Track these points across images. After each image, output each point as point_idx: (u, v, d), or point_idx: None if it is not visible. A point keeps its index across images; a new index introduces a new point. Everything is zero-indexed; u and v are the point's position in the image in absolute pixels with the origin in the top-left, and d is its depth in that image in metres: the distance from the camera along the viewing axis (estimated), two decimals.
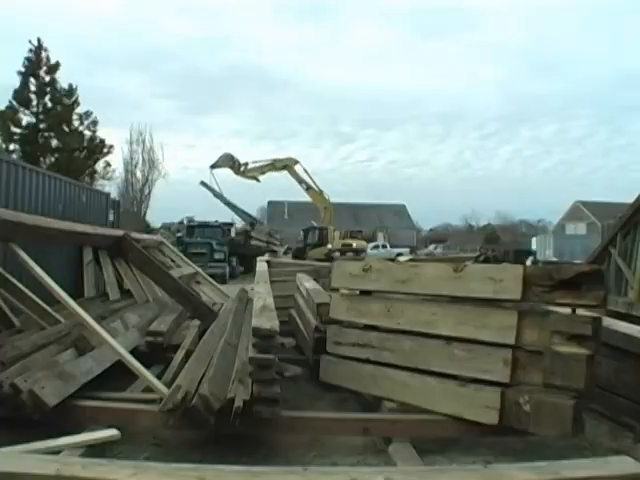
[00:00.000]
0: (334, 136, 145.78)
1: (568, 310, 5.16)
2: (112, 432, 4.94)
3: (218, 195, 42.69)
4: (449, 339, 5.64)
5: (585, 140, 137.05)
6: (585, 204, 78.54)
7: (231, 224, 38.30)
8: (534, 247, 58.02)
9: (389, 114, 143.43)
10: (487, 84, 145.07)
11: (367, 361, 6.30)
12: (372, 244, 58.38)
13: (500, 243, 51.51)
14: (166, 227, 47.42)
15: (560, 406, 4.98)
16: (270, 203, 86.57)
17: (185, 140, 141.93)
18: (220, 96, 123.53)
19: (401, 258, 23.32)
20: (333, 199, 44.33)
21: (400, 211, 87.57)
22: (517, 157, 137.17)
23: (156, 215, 65.41)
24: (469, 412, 5.38)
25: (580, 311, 5.15)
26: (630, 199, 16.95)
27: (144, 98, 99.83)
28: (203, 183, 43.02)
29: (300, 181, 43.73)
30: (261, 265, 11.77)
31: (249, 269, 27.14)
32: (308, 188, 43.62)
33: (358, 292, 6.68)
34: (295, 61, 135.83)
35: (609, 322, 6.38)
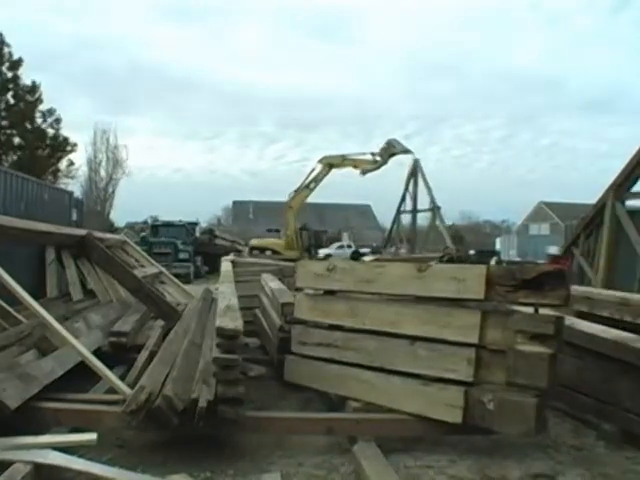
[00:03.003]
0: (259, 136, 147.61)
1: (531, 310, 5.22)
2: (90, 436, 4.90)
3: None
4: (413, 339, 5.67)
5: (510, 140, 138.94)
6: (548, 205, 79.33)
7: (196, 223, 38.11)
8: (498, 247, 58.62)
9: (307, 115, 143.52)
10: (390, 85, 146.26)
11: (332, 361, 6.31)
12: (337, 244, 58.45)
13: (464, 243, 51.86)
14: (130, 226, 47.01)
15: (523, 404, 5.04)
16: (235, 203, 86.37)
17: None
18: (131, 96, 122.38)
19: (366, 258, 23.38)
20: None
21: (365, 211, 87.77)
22: (446, 157, 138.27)
23: (120, 214, 64.95)
24: (433, 411, 5.41)
25: (543, 310, 5.22)
26: (592, 200, 17.21)
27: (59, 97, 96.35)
28: None
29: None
30: (226, 265, 11.72)
31: (214, 269, 27.00)
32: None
33: (322, 292, 6.68)
34: (201, 61, 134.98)
35: (571, 321, 6.47)
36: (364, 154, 36.70)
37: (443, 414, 5.36)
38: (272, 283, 9.13)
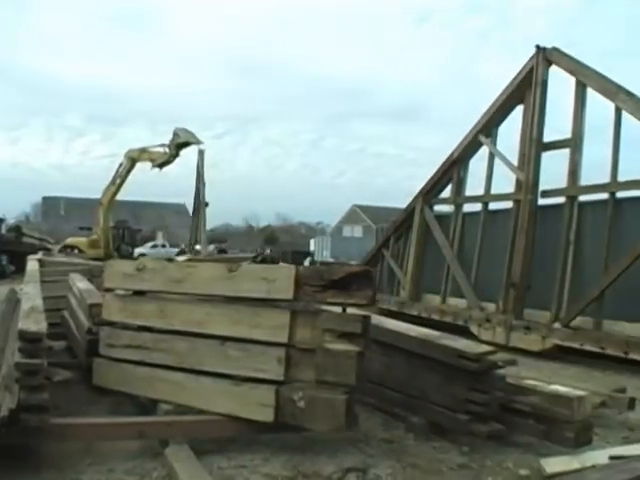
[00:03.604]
0: (64, 130, 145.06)
1: (339, 309, 5.32)
2: None
3: None
4: (223, 339, 5.64)
5: (320, 143, 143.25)
6: (361, 208, 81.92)
7: (1, 220, 36.12)
8: (312, 248, 59.70)
9: (115, 108, 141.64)
10: (200, 82, 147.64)
11: (141, 363, 6.15)
12: (151, 243, 57.45)
13: (279, 244, 52.58)
14: None
15: (333, 401, 5.12)
16: (45, 199, 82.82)
17: None
18: None
19: (180, 258, 23.22)
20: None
21: (181, 210, 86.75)
22: (257, 158, 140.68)
23: None
24: (245, 411, 5.41)
25: (351, 310, 5.34)
26: (401, 204, 17.93)
27: None
28: None
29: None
30: (32, 264, 11.24)
31: (21, 268, 25.70)
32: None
33: (132, 292, 6.51)
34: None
35: (379, 320, 6.66)
36: (162, 146, 34.02)
37: (255, 413, 5.36)
38: (80, 283, 8.81)
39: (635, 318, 10.68)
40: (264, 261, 24.16)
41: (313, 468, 5.07)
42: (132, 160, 34.28)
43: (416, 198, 16.40)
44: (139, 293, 6.41)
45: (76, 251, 35.02)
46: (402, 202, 17.25)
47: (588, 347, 10.79)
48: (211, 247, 47.21)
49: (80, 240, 39.32)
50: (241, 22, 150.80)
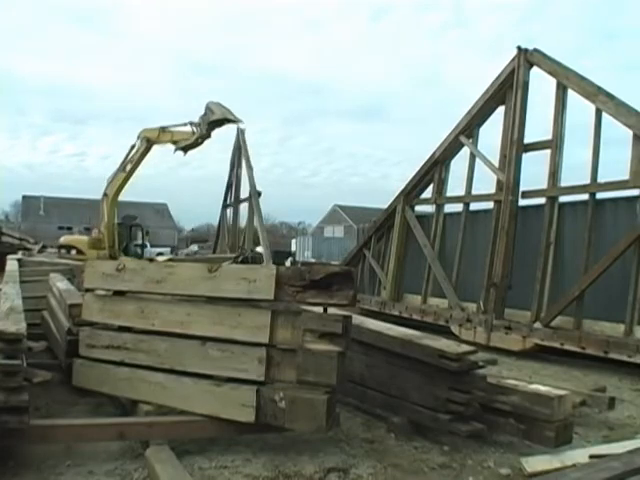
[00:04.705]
0: (29, 127, 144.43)
1: (320, 309, 5.33)
2: None
3: None
4: (204, 339, 5.62)
5: (288, 142, 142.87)
6: (343, 208, 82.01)
7: None
8: (294, 248, 59.69)
9: (79, 106, 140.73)
10: (161, 80, 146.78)
11: (122, 363, 6.11)
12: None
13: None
14: None
15: (314, 401, 5.13)
16: (25, 198, 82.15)
17: None
18: None
19: (160, 258, 22.84)
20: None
21: (162, 210, 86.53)
22: (227, 157, 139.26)
23: None
24: (226, 411, 5.39)
25: (332, 310, 5.34)
26: (380, 204, 17.95)
27: None
28: None
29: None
30: (11, 264, 11.16)
31: (1, 268, 25.46)
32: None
33: (112, 292, 6.47)
34: None
35: (360, 320, 6.68)
36: (185, 124, 26.08)
37: (236, 414, 5.36)
38: (60, 283, 8.74)
39: (615, 318, 10.76)
40: (245, 261, 23.51)
41: (294, 468, 5.07)
42: (148, 141, 26.75)
43: (397, 198, 16.45)
44: (119, 293, 6.37)
45: (74, 252, 29.50)
46: (381, 202, 17.29)
47: (568, 347, 10.85)
48: (192, 247, 46.34)
49: (79, 239, 32.99)
50: (198, 20, 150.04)
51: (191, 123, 25.20)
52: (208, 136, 25.23)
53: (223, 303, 5.64)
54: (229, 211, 33.75)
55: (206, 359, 5.59)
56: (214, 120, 24.67)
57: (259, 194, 28.50)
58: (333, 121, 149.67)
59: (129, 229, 35.59)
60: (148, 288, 6.08)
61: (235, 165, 32.00)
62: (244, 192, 30.79)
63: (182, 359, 5.73)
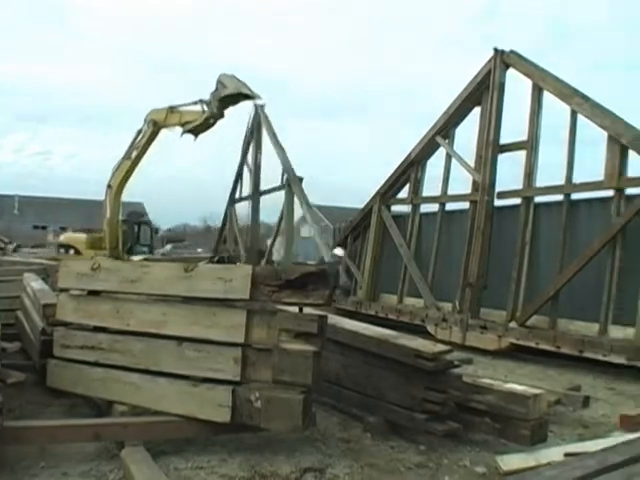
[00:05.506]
0: None
1: (296, 309, 5.32)
2: None
3: None
4: (180, 339, 5.60)
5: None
6: (319, 208, 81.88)
7: None
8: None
9: (41, 107, 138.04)
10: (124, 77, 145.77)
11: (96, 364, 6.06)
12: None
13: (244, 245, 52.25)
14: None
15: (290, 401, 5.13)
16: None
17: None
18: None
19: (135, 258, 22.34)
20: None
21: (138, 210, 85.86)
22: (201, 154, 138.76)
23: None
24: (202, 412, 5.38)
25: (307, 310, 5.34)
26: (357, 204, 17.98)
27: None
28: None
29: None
30: None
31: None
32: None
33: (87, 292, 6.42)
34: None
35: (335, 320, 6.68)
36: (196, 103, 21.78)
37: (212, 414, 5.34)
38: (34, 283, 8.66)
39: (590, 317, 10.86)
40: (221, 261, 22.84)
41: (271, 468, 5.06)
42: (155, 124, 22.76)
43: (373, 198, 16.50)
44: (94, 293, 6.32)
45: (72, 252, 27.32)
46: (358, 202, 17.30)
47: (544, 346, 10.93)
48: (167, 247, 45.61)
49: (77, 238, 29.34)
50: (164, 17, 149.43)
51: (201, 101, 21.36)
52: (220, 115, 21.33)
53: (199, 303, 5.61)
54: (243, 206, 27.99)
55: (182, 359, 5.56)
56: (227, 95, 20.72)
57: (300, 180, 21.54)
58: (294, 119, 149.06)
59: (135, 227, 31.73)
60: (123, 288, 6.04)
61: (253, 149, 26.05)
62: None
63: (157, 359, 5.70)
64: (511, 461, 5.27)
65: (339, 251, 13.36)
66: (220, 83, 20.56)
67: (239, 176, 27.48)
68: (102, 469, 5.00)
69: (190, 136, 21.71)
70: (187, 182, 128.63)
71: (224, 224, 29.65)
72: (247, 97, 21.05)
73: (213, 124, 21.45)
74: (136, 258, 20.41)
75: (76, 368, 6.23)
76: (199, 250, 39.56)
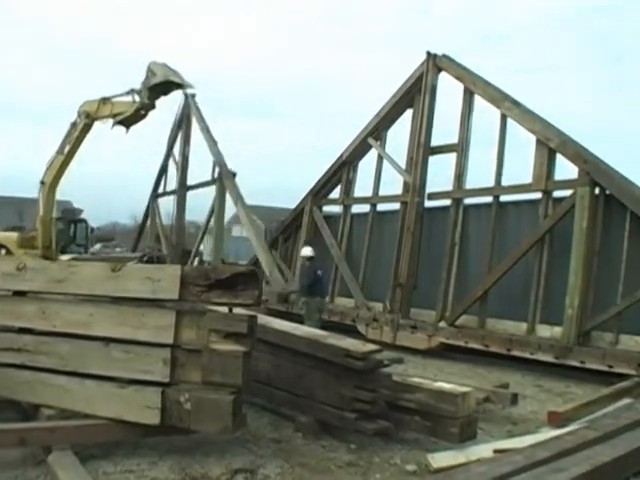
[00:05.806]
0: None
1: (226, 309, 5.29)
2: None
3: None
4: (107, 340, 5.50)
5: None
6: (251, 207, 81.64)
7: None
8: (202, 247, 59.06)
9: None
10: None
11: (22, 367, 5.89)
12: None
13: (169, 243, 51.68)
14: None
15: (219, 402, 5.10)
16: None
17: None
18: None
19: (63, 257, 21.74)
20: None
21: (68, 207, 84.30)
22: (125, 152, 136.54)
23: None
24: (130, 414, 5.29)
25: (237, 310, 5.31)
26: (292, 204, 18.00)
27: None
28: None
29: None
30: None
31: None
32: None
33: (12, 293, 6.26)
34: None
35: (266, 320, 6.67)
36: (128, 93, 20.37)
37: (141, 416, 5.26)
38: None
39: (517, 317, 11.11)
40: (150, 261, 22.18)
41: (202, 470, 5.05)
42: (87, 116, 21.13)
43: (305, 198, 16.56)
44: (20, 294, 6.16)
45: (3, 252, 25.00)
46: (289, 202, 17.32)
47: (473, 345, 11.14)
48: (97, 246, 44.50)
49: (8, 237, 26.37)
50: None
51: (133, 90, 20.04)
52: (152, 106, 20.22)
53: (127, 303, 5.52)
54: (166, 201, 26.96)
55: (110, 361, 5.47)
56: (156, 84, 19.52)
57: (234, 175, 20.97)
58: (217, 117, 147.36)
59: (70, 225, 30.37)
60: (50, 288, 5.89)
61: (181, 142, 25.02)
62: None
63: (85, 361, 5.58)
64: (441, 458, 5.34)
65: (308, 251, 13.21)
66: (150, 71, 19.49)
67: (164, 169, 26.61)
68: (28, 475, 4.88)
69: (122, 128, 20.49)
70: (114, 179, 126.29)
71: (145, 220, 28.81)
72: (178, 86, 19.94)
73: (145, 115, 20.44)
74: (65, 257, 19.82)
75: (1, 371, 6.05)
76: (118, 249, 38.51)
